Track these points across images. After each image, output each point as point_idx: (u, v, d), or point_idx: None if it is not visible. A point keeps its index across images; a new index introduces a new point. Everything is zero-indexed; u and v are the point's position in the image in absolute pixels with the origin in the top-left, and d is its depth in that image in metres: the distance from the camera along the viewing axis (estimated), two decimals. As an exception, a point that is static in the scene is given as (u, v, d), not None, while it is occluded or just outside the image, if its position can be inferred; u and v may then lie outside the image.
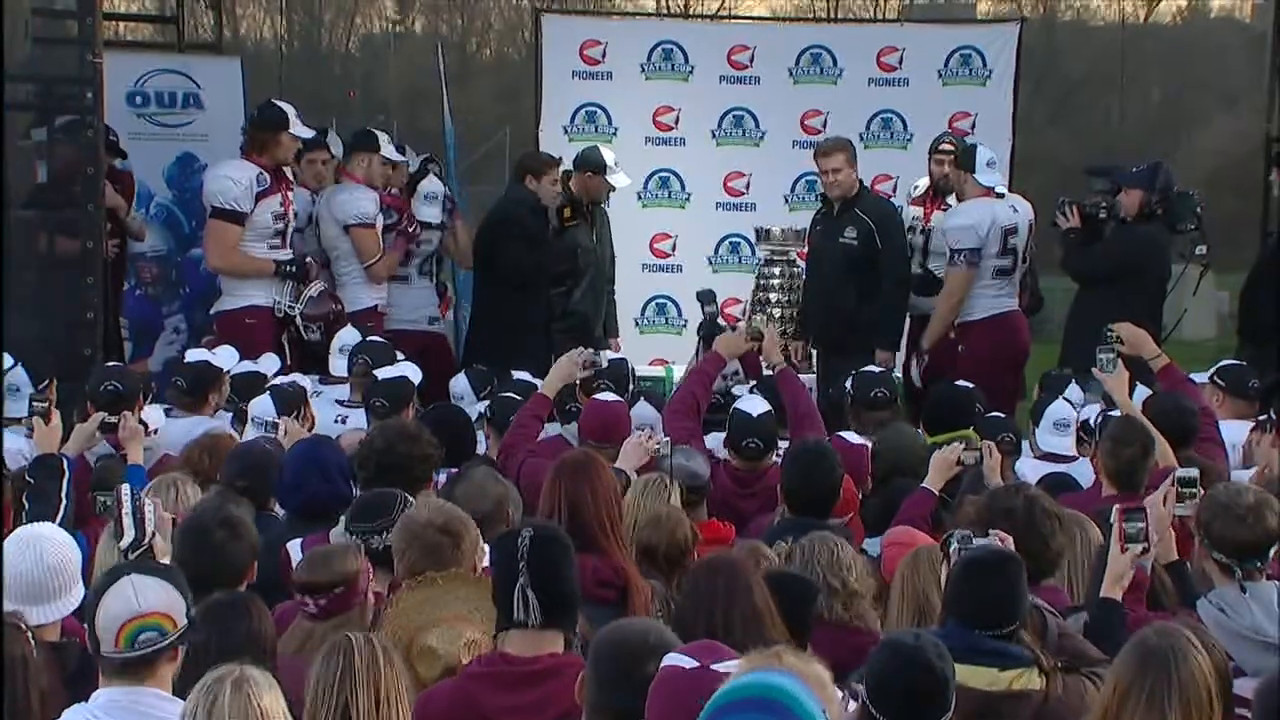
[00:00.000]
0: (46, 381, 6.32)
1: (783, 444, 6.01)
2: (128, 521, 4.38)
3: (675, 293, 10.54)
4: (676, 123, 10.58)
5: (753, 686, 2.69)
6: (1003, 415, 6.66)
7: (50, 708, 3.57)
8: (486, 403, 6.96)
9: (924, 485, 5.59)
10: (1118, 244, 8.26)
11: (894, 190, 10.16)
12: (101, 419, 5.99)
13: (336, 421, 7.06)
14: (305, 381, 7.10)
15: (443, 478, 5.48)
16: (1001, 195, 8.42)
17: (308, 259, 8.33)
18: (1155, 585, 4.60)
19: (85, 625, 3.48)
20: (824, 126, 10.32)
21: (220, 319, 8.32)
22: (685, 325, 10.23)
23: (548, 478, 4.66)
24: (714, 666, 2.94)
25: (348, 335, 7.72)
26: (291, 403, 6.48)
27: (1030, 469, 6.25)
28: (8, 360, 6.43)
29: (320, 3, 28.95)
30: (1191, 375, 6.68)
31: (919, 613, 4.26)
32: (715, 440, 6.27)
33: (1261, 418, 6.46)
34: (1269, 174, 9.55)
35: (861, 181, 8.64)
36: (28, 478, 5.23)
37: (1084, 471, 6.26)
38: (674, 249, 10.60)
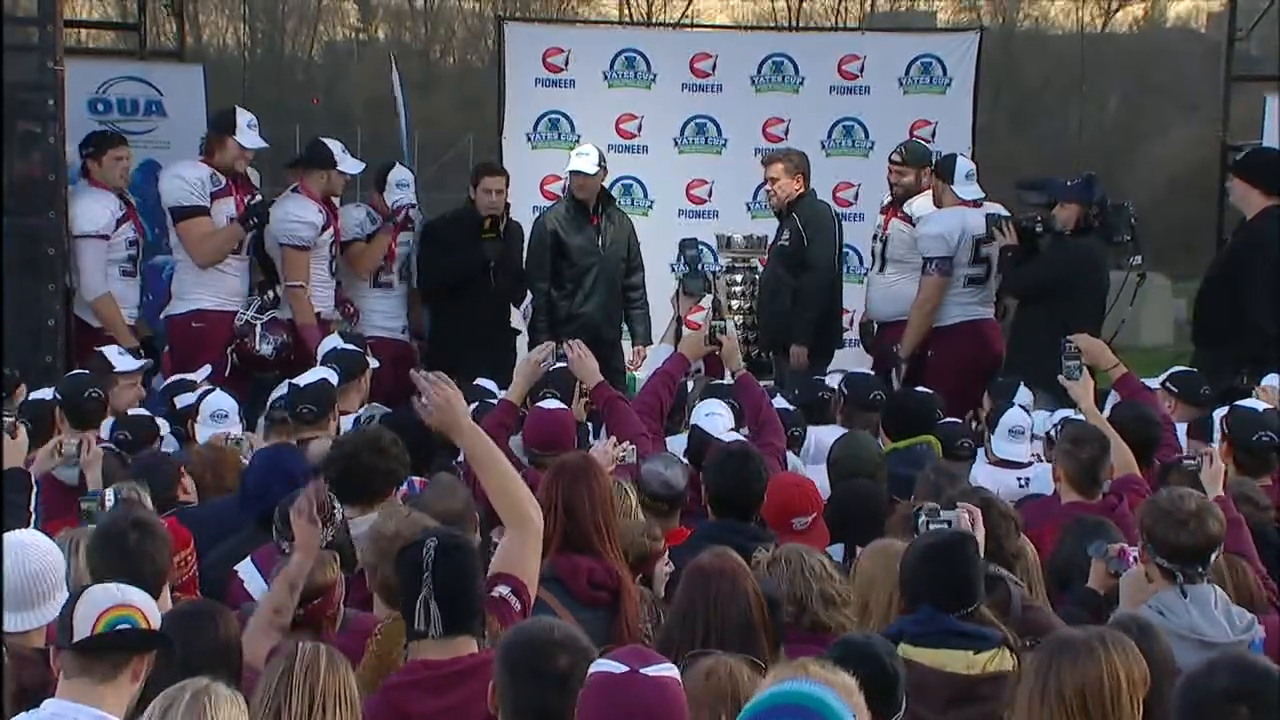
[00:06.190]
0: (9, 394, 6.26)
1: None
2: None
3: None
4: (639, 130, 10.63)
5: (786, 695, 2.69)
6: (959, 421, 6.70)
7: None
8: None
9: None
10: (1054, 259, 8.20)
11: (855, 198, 10.23)
12: (60, 443, 5.84)
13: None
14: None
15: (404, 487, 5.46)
16: (979, 205, 8.49)
17: (277, 288, 8.29)
18: None
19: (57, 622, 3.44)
20: (786, 134, 10.39)
21: (168, 324, 8.30)
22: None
23: (544, 480, 4.63)
24: (643, 671, 2.94)
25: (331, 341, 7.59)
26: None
27: (985, 475, 6.26)
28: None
29: (283, 10, 28.86)
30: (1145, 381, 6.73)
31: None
32: (677, 443, 6.27)
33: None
34: (1224, 181, 9.63)
35: (814, 190, 8.68)
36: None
37: (1037, 476, 6.32)
38: (637, 256, 10.64)
